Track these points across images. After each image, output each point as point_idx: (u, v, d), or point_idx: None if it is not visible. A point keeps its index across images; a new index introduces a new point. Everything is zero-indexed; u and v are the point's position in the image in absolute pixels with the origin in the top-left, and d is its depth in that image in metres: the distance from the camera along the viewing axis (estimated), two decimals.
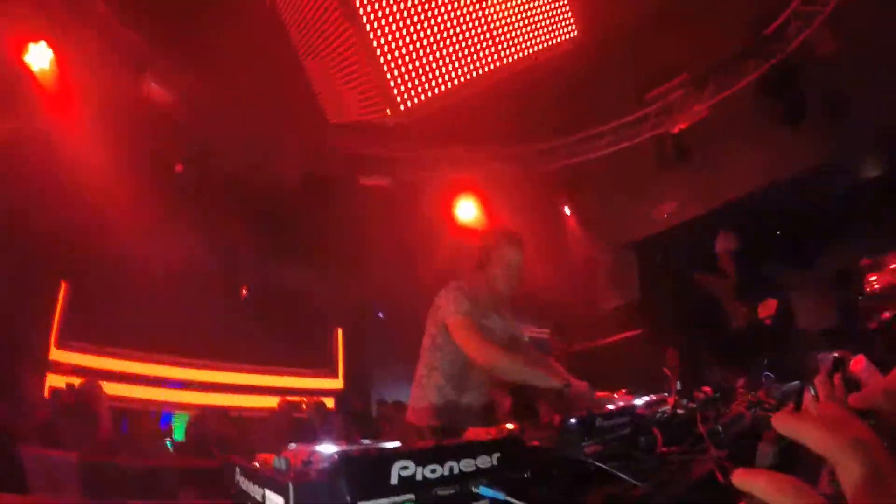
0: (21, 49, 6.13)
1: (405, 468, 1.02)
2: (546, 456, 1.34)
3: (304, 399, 7.88)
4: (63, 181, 7.22)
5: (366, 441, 1.28)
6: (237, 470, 1.14)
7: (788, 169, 8.19)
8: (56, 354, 8.62)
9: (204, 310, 9.88)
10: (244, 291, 10.04)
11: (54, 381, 8.23)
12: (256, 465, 1.09)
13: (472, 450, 1.14)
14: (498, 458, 1.16)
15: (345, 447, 1.15)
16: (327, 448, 1.12)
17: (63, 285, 9.06)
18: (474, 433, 1.86)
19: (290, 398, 8.17)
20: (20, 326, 8.13)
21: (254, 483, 1.06)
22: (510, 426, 1.82)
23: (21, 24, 6.10)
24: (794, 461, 1.13)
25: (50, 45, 6.24)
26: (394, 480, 1.01)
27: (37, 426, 5.41)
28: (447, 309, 2.80)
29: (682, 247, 9.68)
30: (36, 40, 6.18)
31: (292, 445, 1.19)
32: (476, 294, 2.90)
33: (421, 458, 1.05)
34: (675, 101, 8.91)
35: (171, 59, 7.44)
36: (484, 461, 1.14)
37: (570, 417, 1.42)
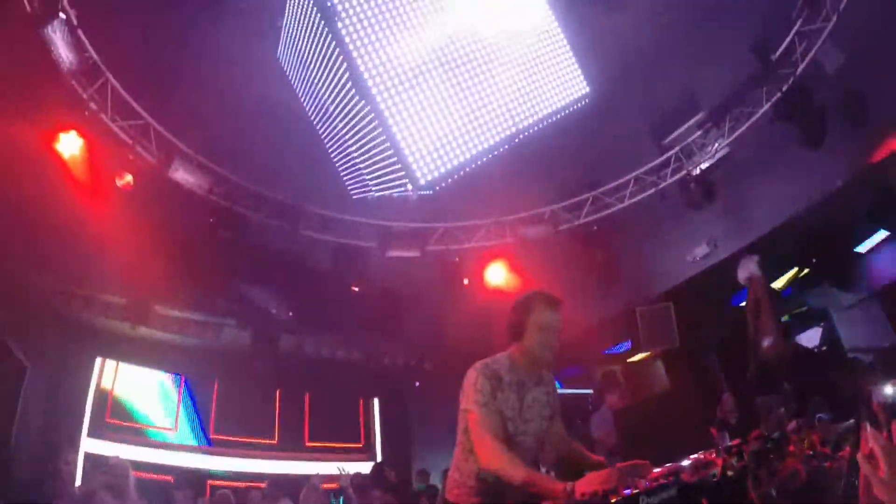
0: (52, 138, 6.57)
1: None
2: None
3: (341, 469, 7.50)
4: (94, 266, 7.57)
5: None
6: None
7: (817, 191, 7.98)
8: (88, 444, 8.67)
9: (235, 389, 9.97)
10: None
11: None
12: None
13: None
14: None
15: None
16: None
17: (100, 362, 9.27)
18: None
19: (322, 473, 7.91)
20: (59, 402, 8.30)
21: None
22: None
23: (51, 114, 6.55)
24: None
25: (80, 134, 6.67)
26: None
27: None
28: (467, 399, 2.72)
29: (719, 288, 9.43)
30: (66, 129, 6.61)
31: None
32: (506, 371, 2.79)
33: None
34: (694, 142, 8.90)
35: (198, 140, 7.75)
36: None
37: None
